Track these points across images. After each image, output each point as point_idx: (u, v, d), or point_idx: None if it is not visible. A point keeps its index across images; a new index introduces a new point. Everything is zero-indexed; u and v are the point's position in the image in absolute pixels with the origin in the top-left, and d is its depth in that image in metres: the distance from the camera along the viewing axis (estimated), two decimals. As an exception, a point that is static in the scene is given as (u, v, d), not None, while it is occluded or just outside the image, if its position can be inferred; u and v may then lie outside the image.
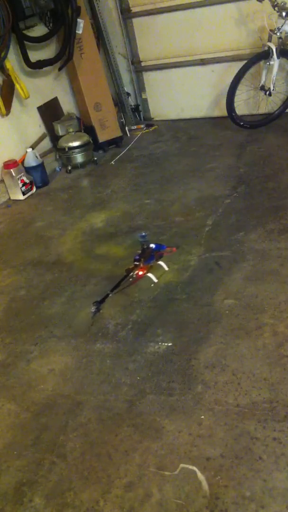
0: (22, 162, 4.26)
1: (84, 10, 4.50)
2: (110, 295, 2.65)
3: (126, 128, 5.23)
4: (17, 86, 4.12)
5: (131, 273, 2.77)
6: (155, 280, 2.72)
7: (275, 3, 3.93)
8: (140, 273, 2.76)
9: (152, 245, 2.90)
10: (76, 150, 4.53)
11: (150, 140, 4.98)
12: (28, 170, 4.26)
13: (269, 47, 4.09)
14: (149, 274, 2.75)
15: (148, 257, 2.84)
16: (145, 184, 4.00)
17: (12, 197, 4.27)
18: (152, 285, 2.70)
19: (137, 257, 2.83)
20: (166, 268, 2.81)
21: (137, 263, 2.80)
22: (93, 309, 2.57)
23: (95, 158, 4.69)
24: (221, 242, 2.92)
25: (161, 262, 2.84)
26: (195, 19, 4.70)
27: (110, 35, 5.09)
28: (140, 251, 2.88)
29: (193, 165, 4.14)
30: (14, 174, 4.09)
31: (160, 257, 2.88)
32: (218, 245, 2.91)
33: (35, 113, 4.57)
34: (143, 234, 2.95)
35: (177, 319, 2.40)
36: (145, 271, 2.77)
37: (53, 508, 1.67)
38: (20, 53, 4.14)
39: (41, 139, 4.63)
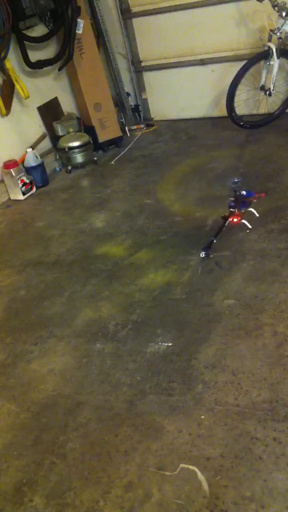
0: (22, 162, 4.26)
1: (84, 10, 4.50)
2: (214, 241, 2.81)
3: (126, 128, 5.23)
4: (17, 86, 4.12)
5: (228, 220, 2.87)
6: (250, 226, 2.85)
7: (275, 3, 3.93)
8: (235, 220, 2.86)
9: (244, 192, 2.92)
10: (76, 150, 4.53)
11: (150, 140, 4.98)
12: (28, 170, 4.26)
13: (269, 47, 4.09)
14: (244, 221, 2.86)
15: (241, 203, 2.89)
16: (145, 184, 4.00)
17: (12, 197, 4.27)
18: (248, 231, 2.85)
19: (232, 204, 2.88)
20: (256, 214, 2.94)
21: (233, 210, 2.87)
22: (203, 254, 2.74)
23: (95, 158, 4.69)
24: (221, 242, 2.92)
25: (251, 209, 2.94)
26: (195, 19, 4.70)
27: (110, 35, 5.09)
28: (233, 198, 2.91)
29: (193, 165, 4.13)
30: (14, 174, 4.09)
31: (250, 204, 2.95)
32: (218, 245, 2.91)
33: (35, 113, 4.57)
34: (236, 180, 2.90)
35: (177, 319, 2.40)
36: (239, 218, 2.87)
37: (53, 508, 1.67)
38: (20, 53, 4.14)
39: (41, 139, 4.63)
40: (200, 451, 1.74)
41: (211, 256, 2.74)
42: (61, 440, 1.91)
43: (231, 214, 2.89)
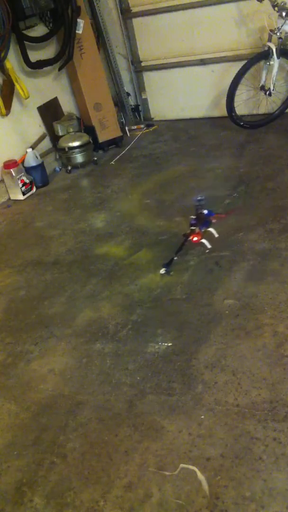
0: (22, 162, 4.26)
1: (84, 10, 4.50)
2: (175, 258, 2.79)
3: (126, 128, 5.23)
4: (17, 86, 4.12)
5: (188, 238, 2.86)
6: (209, 246, 2.81)
7: (275, 3, 3.93)
8: (195, 239, 2.85)
9: (205, 211, 2.92)
10: (76, 150, 4.53)
11: (150, 140, 4.98)
12: (28, 170, 4.26)
13: (269, 47, 4.09)
14: (203, 240, 2.84)
15: (202, 222, 2.90)
16: (145, 184, 4.01)
17: (12, 197, 4.27)
18: (207, 251, 2.80)
19: (194, 222, 2.88)
20: (216, 235, 2.90)
21: (194, 228, 2.86)
22: (163, 271, 2.72)
23: (95, 158, 4.69)
24: (221, 242, 2.92)
25: (211, 229, 2.92)
26: (195, 19, 4.70)
27: (110, 35, 5.09)
28: (195, 216, 2.91)
29: (193, 165, 4.14)
30: (14, 174, 4.09)
31: (210, 224, 2.94)
32: (218, 245, 2.91)
33: (35, 113, 4.57)
34: (199, 198, 2.91)
35: (177, 319, 2.40)
36: (200, 237, 2.85)
37: (53, 508, 1.67)
38: (20, 53, 4.14)
39: (41, 139, 4.63)
40: (200, 451, 1.74)
41: (171, 273, 2.72)
42: (61, 440, 1.91)
43: (192, 232, 2.88)
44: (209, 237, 2.89)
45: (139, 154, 4.67)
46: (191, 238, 2.86)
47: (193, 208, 3.09)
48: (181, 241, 2.88)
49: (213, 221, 2.98)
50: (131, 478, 1.71)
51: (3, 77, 4.08)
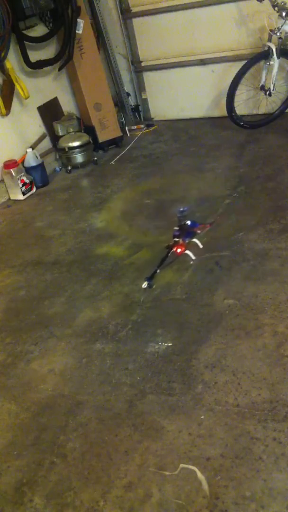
0: (22, 162, 4.26)
1: (84, 10, 4.50)
2: (158, 271, 2.70)
3: (126, 128, 5.24)
4: (17, 86, 4.12)
5: (172, 250, 2.77)
6: (193, 257, 2.74)
7: (275, 3, 3.93)
8: (179, 250, 2.76)
9: (189, 222, 2.85)
10: (76, 150, 4.53)
11: (150, 140, 4.98)
12: (28, 170, 4.26)
13: (269, 47, 4.09)
14: (188, 252, 2.76)
15: (185, 233, 2.82)
16: (145, 184, 4.00)
17: (12, 197, 4.27)
18: (191, 262, 2.72)
19: (177, 233, 2.80)
20: (200, 246, 2.83)
21: (177, 239, 2.78)
22: (145, 285, 2.62)
23: (95, 158, 4.69)
24: (221, 242, 2.92)
25: (195, 240, 2.85)
26: (195, 19, 4.70)
27: (110, 35, 5.09)
28: (178, 227, 2.84)
29: (193, 165, 4.14)
30: (14, 174, 4.09)
31: (194, 235, 2.87)
32: (218, 245, 2.91)
33: (35, 113, 4.57)
34: (182, 209, 2.85)
35: (177, 319, 2.40)
36: (183, 249, 2.76)
37: (53, 508, 1.67)
38: (20, 53, 4.14)
39: (41, 139, 4.63)
40: (200, 451, 1.74)
41: (153, 286, 2.63)
42: (61, 440, 1.91)
43: (175, 243, 2.79)
44: (212, 234, 2.86)
45: (139, 154, 4.67)
46: (174, 249, 2.77)
47: (193, 208, 3.11)
48: (164, 253, 2.78)
49: (198, 231, 2.91)
50: (131, 478, 1.71)
51: (3, 77, 4.08)
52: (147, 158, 4.52)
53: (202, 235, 2.94)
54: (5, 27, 3.73)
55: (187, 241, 2.82)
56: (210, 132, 4.81)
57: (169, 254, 2.77)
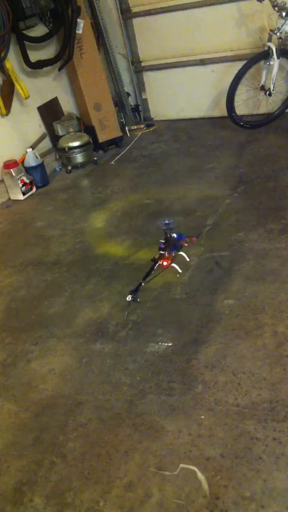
0: (22, 162, 4.26)
1: (84, 10, 4.50)
2: (143, 284, 2.63)
3: (126, 128, 5.24)
4: (17, 86, 4.12)
5: (157, 263, 2.72)
6: (180, 270, 2.70)
7: (275, 3, 3.93)
8: (165, 263, 2.70)
9: (174, 235, 2.82)
10: (76, 150, 4.53)
11: (150, 140, 4.98)
12: (28, 170, 4.26)
13: (269, 47, 4.09)
14: (174, 265, 2.72)
15: (171, 246, 2.78)
16: (145, 184, 4.00)
17: (12, 197, 4.27)
18: (178, 275, 2.69)
19: (162, 246, 2.76)
20: (187, 259, 2.79)
21: (162, 252, 2.74)
22: (129, 298, 2.54)
23: (95, 158, 4.69)
24: (221, 242, 2.92)
25: (182, 253, 2.81)
26: (195, 19, 4.70)
27: (110, 35, 5.09)
28: (163, 240, 2.80)
29: (193, 165, 4.13)
30: (14, 174, 4.09)
31: (180, 247, 2.83)
32: (218, 245, 2.91)
33: (35, 113, 4.57)
34: (167, 221, 2.81)
35: (177, 319, 2.40)
36: (169, 262, 2.71)
37: (53, 508, 1.67)
38: (20, 53, 4.14)
39: (41, 139, 4.63)
40: (200, 451, 1.74)
41: (138, 300, 2.55)
42: (61, 440, 1.91)
43: (161, 256, 2.74)
44: (213, 234, 2.87)
45: (139, 154, 4.67)
46: (160, 262, 2.71)
47: (193, 208, 3.10)
48: (150, 266, 2.72)
49: (185, 244, 2.87)
50: (131, 478, 1.71)
51: (3, 77, 4.08)
52: (147, 158, 4.52)
53: (202, 237, 2.94)
54: (5, 27, 3.73)
55: (173, 254, 2.77)
56: (210, 132, 4.81)
57: (155, 268, 2.71)
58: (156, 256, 2.75)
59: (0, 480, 1.81)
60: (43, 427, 1.99)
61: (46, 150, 4.71)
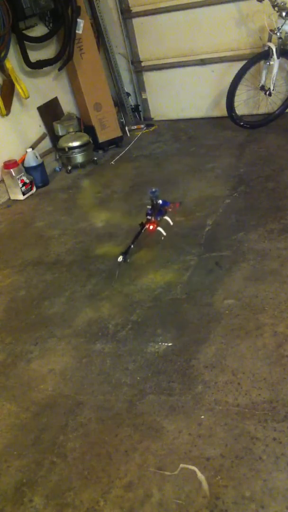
0: (22, 162, 4.26)
1: (84, 10, 4.50)
2: (132, 246, 2.96)
3: (126, 128, 5.24)
4: (17, 86, 4.12)
5: (145, 227, 3.05)
6: (164, 233, 3.03)
7: (275, 3, 3.93)
8: (151, 227, 3.04)
9: (160, 201, 3.11)
10: (76, 150, 4.53)
11: (150, 140, 4.98)
12: (28, 170, 4.26)
13: (269, 47, 4.09)
14: (159, 228, 3.05)
15: (157, 212, 3.10)
16: (145, 184, 4.00)
17: (12, 197, 4.27)
18: (162, 238, 3.02)
19: (150, 212, 3.08)
20: (171, 223, 3.14)
21: (150, 217, 3.07)
22: (120, 258, 2.89)
23: (95, 158, 4.69)
24: (221, 242, 2.92)
25: (166, 217, 3.15)
26: (195, 19, 4.70)
27: (110, 35, 5.09)
28: (150, 206, 3.09)
29: (193, 165, 4.14)
30: (14, 174, 4.09)
31: (165, 213, 3.16)
32: (218, 245, 2.91)
33: (35, 113, 4.57)
34: (153, 190, 3.07)
35: (177, 319, 2.40)
36: (155, 226, 3.05)
37: (53, 508, 1.67)
38: (20, 53, 4.14)
39: (41, 139, 4.63)
40: (200, 451, 1.74)
41: (128, 260, 2.89)
42: (61, 440, 1.91)
43: (148, 221, 3.07)
44: (213, 234, 2.89)
45: (139, 154, 4.67)
46: (147, 226, 3.04)
47: (193, 208, 3.10)
48: (138, 230, 3.05)
49: (170, 210, 3.20)
50: (131, 478, 1.71)
51: (3, 77, 4.08)
52: (147, 158, 4.52)
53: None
54: (5, 27, 3.73)
55: (159, 219, 3.10)
56: (210, 132, 4.81)
57: (142, 231, 3.04)
58: (144, 221, 3.08)
59: (0, 480, 1.81)
60: (43, 427, 1.99)
61: (46, 150, 4.70)
